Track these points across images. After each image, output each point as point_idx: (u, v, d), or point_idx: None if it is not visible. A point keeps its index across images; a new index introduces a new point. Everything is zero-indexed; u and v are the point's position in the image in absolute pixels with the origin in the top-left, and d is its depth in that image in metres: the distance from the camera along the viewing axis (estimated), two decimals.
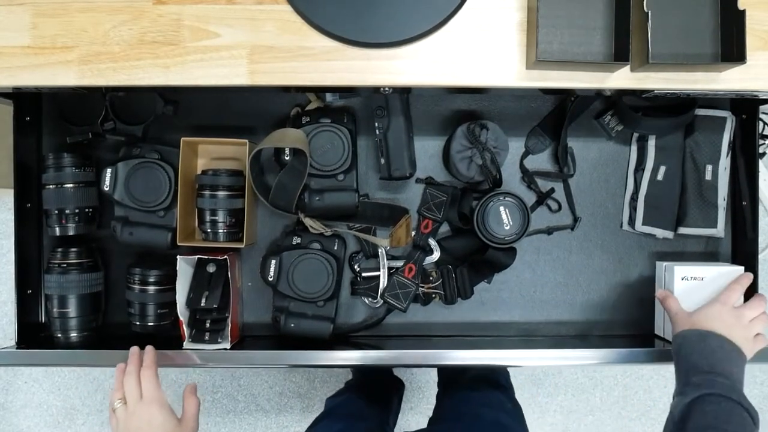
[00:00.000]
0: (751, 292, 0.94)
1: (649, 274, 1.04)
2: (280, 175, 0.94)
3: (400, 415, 1.53)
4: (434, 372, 1.78)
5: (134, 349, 0.87)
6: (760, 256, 1.00)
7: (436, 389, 1.35)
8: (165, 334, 0.97)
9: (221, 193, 0.94)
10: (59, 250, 0.95)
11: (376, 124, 0.97)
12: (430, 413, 1.22)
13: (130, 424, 0.79)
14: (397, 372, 1.68)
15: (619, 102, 0.98)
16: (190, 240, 0.97)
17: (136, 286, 0.95)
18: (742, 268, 0.95)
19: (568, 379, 1.92)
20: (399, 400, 1.59)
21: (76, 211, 0.95)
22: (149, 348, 0.87)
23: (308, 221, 0.96)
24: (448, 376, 1.30)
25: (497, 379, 1.17)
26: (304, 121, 0.94)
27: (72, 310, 0.95)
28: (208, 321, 0.98)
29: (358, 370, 1.54)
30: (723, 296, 0.89)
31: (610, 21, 0.80)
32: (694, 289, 0.94)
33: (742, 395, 0.76)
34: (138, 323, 0.96)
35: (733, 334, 0.83)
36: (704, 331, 0.83)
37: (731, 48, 0.78)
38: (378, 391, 1.42)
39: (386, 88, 0.86)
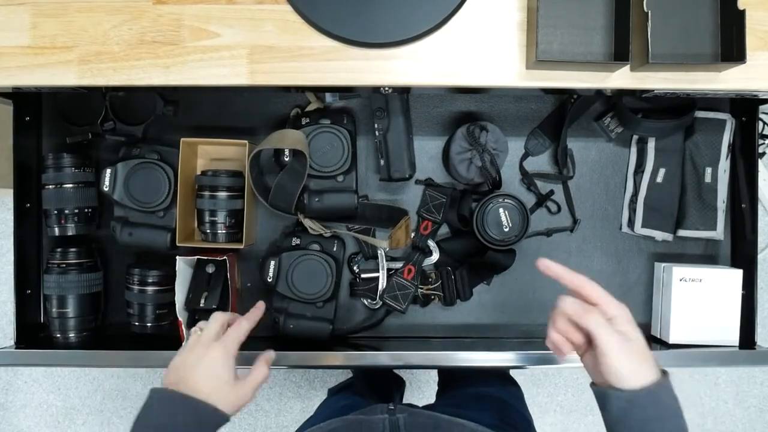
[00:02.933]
0: (751, 293, 0.94)
1: (649, 276, 1.04)
2: (279, 176, 0.94)
3: None
4: (433, 372, 1.78)
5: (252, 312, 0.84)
6: (760, 256, 0.99)
7: (436, 389, 1.36)
8: (164, 335, 0.97)
9: (221, 194, 0.94)
10: (58, 250, 0.95)
11: (376, 125, 0.97)
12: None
13: (190, 354, 0.73)
14: (396, 371, 1.68)
15: (619, 104, 0.98)
16: (190, 240, 0.97)
17: (135, 287, 0.95)
18: (741, 271, 0.95)
19: (568, 379, 1.92)
20: (401, 397, 1.61)
21: (76, 211, 0.95)
22: (259, 307, 0.84)
23: (307, 222, 0.96)
24: (448, 378, 1.30)
25: (502, 373, 1.17)
26: (303, 122, 0.94)
27: (71, 310, 0.95)
28: None
29: (360, 369, 1.54)
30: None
31: (610, 21, 0.80)
32: (692, 291, 0.94)
33: None
34: (137, 324, 0.96)
35: (647, 361, 0.64)
36: (648, 389, 0.62)
37: (731, 48, 0.78)
38: (380, 386, 1.43)
39: (386, 88, 0.86)
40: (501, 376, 1.14)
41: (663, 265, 0.99)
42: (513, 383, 1.11)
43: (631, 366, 0.61)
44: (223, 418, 0.71)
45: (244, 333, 0.78)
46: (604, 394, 0.62)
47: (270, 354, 0.81)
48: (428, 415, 0.76)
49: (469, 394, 1.03)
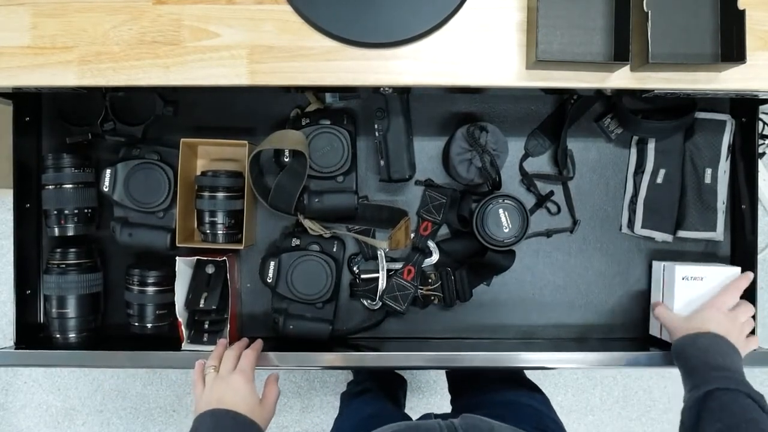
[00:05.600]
0: (751, 293, 0.94)
1: (648, 277, 1.03)
2: (279, 176, 0.93)
3: None
4: (433, 372, 1.78)
5: (244, 339, 0.91)
6: (760, 256, 0.99)
7: (435, 389, 1.35)
8: (164, 335, 0.97)
9: (220, 195, 0.94)
10: (58, 250, 0.95)
11: (376, 126, 0.96)
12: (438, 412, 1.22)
13: (215, 388, 0.80)
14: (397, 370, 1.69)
15: (619, 105, 0.98)
16: (189, 241, 0.97)
17: (135, 287, 0.95)
18: (739, 268, 0.95)
19: (568, 379, 1.91)
20: (404, 395, 1.62)
21: (76, 211, 0.95)
22: (259, 340, 0.91)
23: (307, 223, 0.96)
24: (459, 381, 1.29)
25: (522, 377, 1.17)
26: (303, 123, 0.94)
27: (71, 310, 0.95)
28: (207, 322, 0.97)
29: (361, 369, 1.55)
30: (718, 300, 0.90)
31: (610, 21, 0.80)
32: (694, 289, 0.94)
33: (742, 382, 0.78)
34: (137, 324, 0.96)
35: (729, 336, 0.85)
36: (695, 334, 0.86)
37: (731, 48, 0.78)
38: (387, 386, 1.43)
39: (386, 88, 0.86)
40: (522, 382, 1.13)
41: (663, 264, 0.99)
42: (539, 391, 1.11)
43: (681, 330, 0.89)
44: None
45: (255, 360, 0.86)
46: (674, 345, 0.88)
47: (275, 374, 0.88)
48: (479, 418, 0.77)
49: (503, 402, 1.03)
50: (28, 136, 0.99)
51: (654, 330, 1.01)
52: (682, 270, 0.95)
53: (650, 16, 0.75)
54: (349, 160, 0.93)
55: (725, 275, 0.94)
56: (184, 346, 0.94)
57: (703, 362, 0.81)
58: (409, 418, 1.16)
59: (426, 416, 0.93)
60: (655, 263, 1.02)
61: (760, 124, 1.00)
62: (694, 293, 0.94)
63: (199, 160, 1.01)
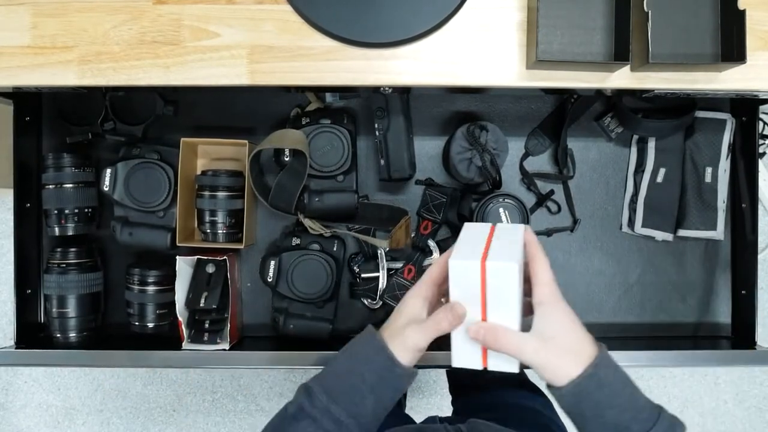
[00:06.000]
0: (751, 293, 0.94)
1: (649, 276, 1.04)
2: (279, 176, 0.94)
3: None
4: (433, 372, 1.78)
5: None
6: (760, 256, 0.99)
7: (436, 389, 1.35)
8: (164, 335, 0.97)
9: (221, 194, 0.94)
10: (58, 250, 0.95)
11: (376, 125, 0.96)
12: (430, 413, 1.22)
13: None
14: None
15: (619, 104, 0.98)
16: (190, 240, 0.97)
17: (136, 287, 0.95)
18: (523, 225, 0.68)
19: None
20: (404, 395, 1.60)
21: (76, 211, 0.95)
22: None
23: (308, 222, 0.96)
24: (459, 383, 1.28)
25: (523, 378, 1.16)
26: (303, 122, 0.94)
27: (71, 310, 0.95)
28: (207, 321, 0.97)
29: None
30: (546, 284, 0.61)
31: (610, 21, 0.80)
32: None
33: (660, 419, 0.60)
34: (137, 323, 0.96)
35: (586, 337, 0.62)
36: (577, 381, 0.58)
37: (731, 48, 0.78)
38: None
39: (386, 88, 0.86)
40: (523, 383, 1.13)
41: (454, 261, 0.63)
42: (540, 393, 1.11)
43: (554, 364, 0.59)
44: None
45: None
46: (554, 396, 0.61)
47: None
48: (486, 424, 0.76)
49: (505, 404, 1.02)
50: (28, 135, 0.99)
51: (463, 359, 0.63)
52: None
53: (650, 16, 0.75)
54: (350, 159, 0.93)
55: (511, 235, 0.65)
56: (185, 345, 0.94)
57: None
58: (411, 419, 1.16)
59: (431, 419, 0.92)
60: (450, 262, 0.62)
61: (761, 124, 1.00)
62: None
63: (200, 160, 1.01)
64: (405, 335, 0.63)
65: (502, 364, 0.62)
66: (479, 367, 0.63)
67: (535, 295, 0.61)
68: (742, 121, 1.00)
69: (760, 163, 1.02)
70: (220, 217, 0.94)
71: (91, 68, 0.81)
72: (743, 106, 0.99)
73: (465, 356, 0.63)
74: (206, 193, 0.94)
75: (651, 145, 1.01)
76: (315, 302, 0.96)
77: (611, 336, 1.04)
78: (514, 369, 0.61)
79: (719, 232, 1.01)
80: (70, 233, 0.95)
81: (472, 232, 0.66)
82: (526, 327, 0.61)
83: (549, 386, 0.61)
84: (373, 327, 0.67)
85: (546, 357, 0.58)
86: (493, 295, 0.60)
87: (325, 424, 0.61)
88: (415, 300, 0.65)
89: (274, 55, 0.81)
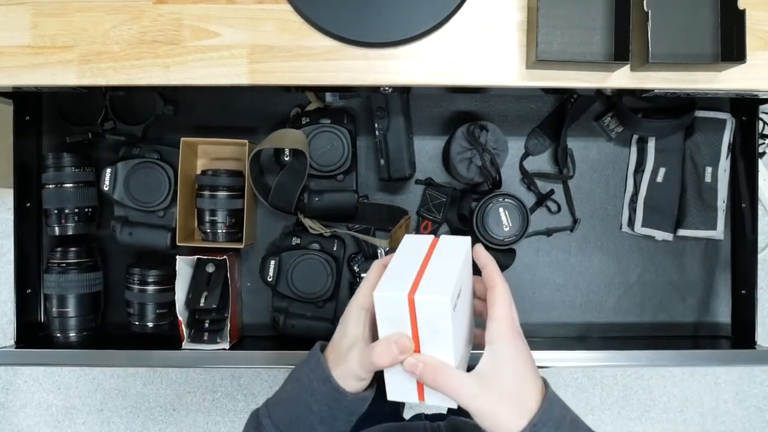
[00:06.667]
0: (751, 292, 0.94)
1: (649, 276, 1.04)
2: (279, 175, 0.94)
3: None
4: None
5: None
6: (760, 256, 0.99)
7: None
8: (164, 335, 0.97)
9: (221, 194, 0.94)
10: (58, 249, 0.95)
11: (376, 125, 0.96)
12: (420, 409, 1.22)
13: None
14: None
15: (619, 104, 0.98)
16: (190, 240, 0.97)
17: (136, 286, 0.95)
18: (468, 238, 0.62)
19: (568, 378, 1.92)
20: (401, 403, 1.60)
21: (76, 210, 0.95)
22: None
23: (307, 222, 0.96)
24: None
25: None
26: (303, 122, 0.94)
27: (71, 309, 0.95)
28: (207, 321, 0.97)
29: None
30: (504, 318, 0.58)
31: (610, 21, 0.80)
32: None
33: None
34: (137, 323, 0.96)
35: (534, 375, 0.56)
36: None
37: (731, 48, 0.78)
38: (381, 384, 1.42)
39: (386, 88, 0.86)
40: None
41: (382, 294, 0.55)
42: None
43: (492, 414, 0.52)
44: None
45: None
46: None
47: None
48: (464, 421, 0.75)
49: None
50: (28, 135, 0.99)
51: (397, 392, 0.59)
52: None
53: (650, 16, 0.75)
54: (349, 159, 0.93)
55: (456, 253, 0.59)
56: (185, 345, 0.94)
57: None
58: (403, 418, 1.16)
59: (417, 416, 0.91)
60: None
61: (760, 123, 1.00)
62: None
63: (200, 160, 1.01)
64: (348, 361, 0.58)
65: (439, 400, 0.56)
66: (415, 401, 0.58)
67: (488, 330, 0.56)
68: (742, 120, 1.00)
69: (760, 162, 1.02)
70: (220, 217, 0.94)
71: (91, 68, 0.81)
72: (743, 105, 0.99)
73: (400, 389, 0.58)
74: (206, 192, 0.94)
75: (651, 144, 1.01)
76: (315, 302, 0.96)
77: (611, 336, 1.04)
78: (453, 405, 0.55)
79: (719, 232, 1.01)
80: (70, 233, 0.95)
81: (409, 247, 0.60)
82: (468, 356, 0.56)
83: None
84: (321, 345, 0.63)
85: (484, 405, 0.52)
86: (425, 329, 0.53)
87: None
88: (358, 313, 0.60)
89: (274, 54, 0.81)
